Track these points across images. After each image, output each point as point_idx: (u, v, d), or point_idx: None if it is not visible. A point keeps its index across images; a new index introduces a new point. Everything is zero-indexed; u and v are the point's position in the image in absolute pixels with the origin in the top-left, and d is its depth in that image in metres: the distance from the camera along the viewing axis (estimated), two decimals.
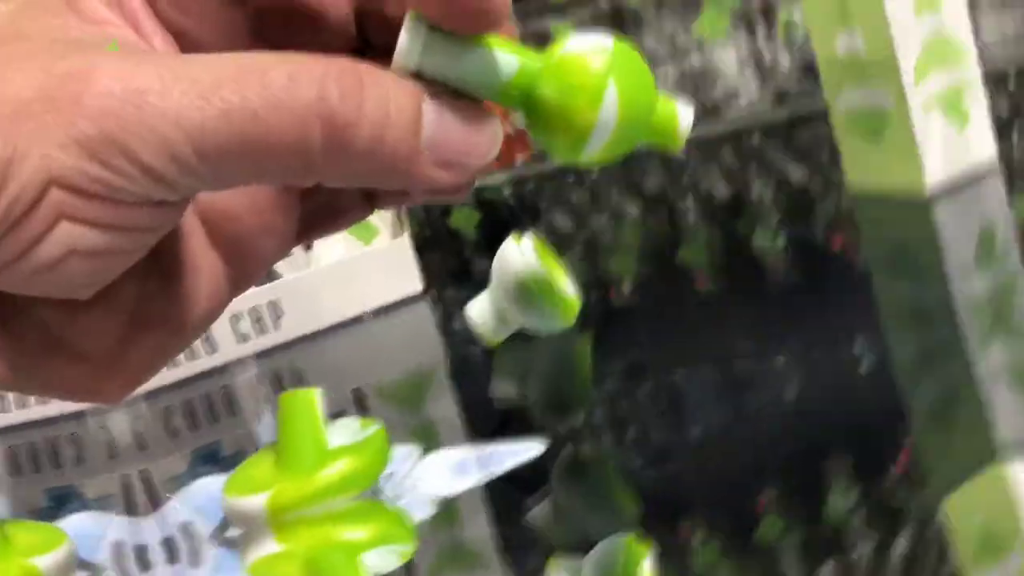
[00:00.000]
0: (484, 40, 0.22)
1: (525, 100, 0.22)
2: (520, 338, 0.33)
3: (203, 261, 0.22)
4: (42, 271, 0.17)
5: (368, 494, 0.30)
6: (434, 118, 0.20)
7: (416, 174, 0.20)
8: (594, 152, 0.22)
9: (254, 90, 0.18)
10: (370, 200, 0.25)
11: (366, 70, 0.19)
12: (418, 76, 0.21)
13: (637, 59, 0.22)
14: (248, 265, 0.23)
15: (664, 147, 0.23)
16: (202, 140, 0.17)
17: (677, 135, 0.23)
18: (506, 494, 0.34)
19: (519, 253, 0.39)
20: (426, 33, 0.21)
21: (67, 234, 0.17)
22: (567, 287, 0.39)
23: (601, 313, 0.50)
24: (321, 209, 0.24)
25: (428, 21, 0.21)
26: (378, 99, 0.19)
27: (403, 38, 0.21)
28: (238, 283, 0.24)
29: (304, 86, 0.18)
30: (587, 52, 0.22)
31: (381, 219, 0.59)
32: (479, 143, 0.21)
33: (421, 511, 0.33)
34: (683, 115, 0.23)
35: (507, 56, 0.22)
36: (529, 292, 0.39)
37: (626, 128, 0.22)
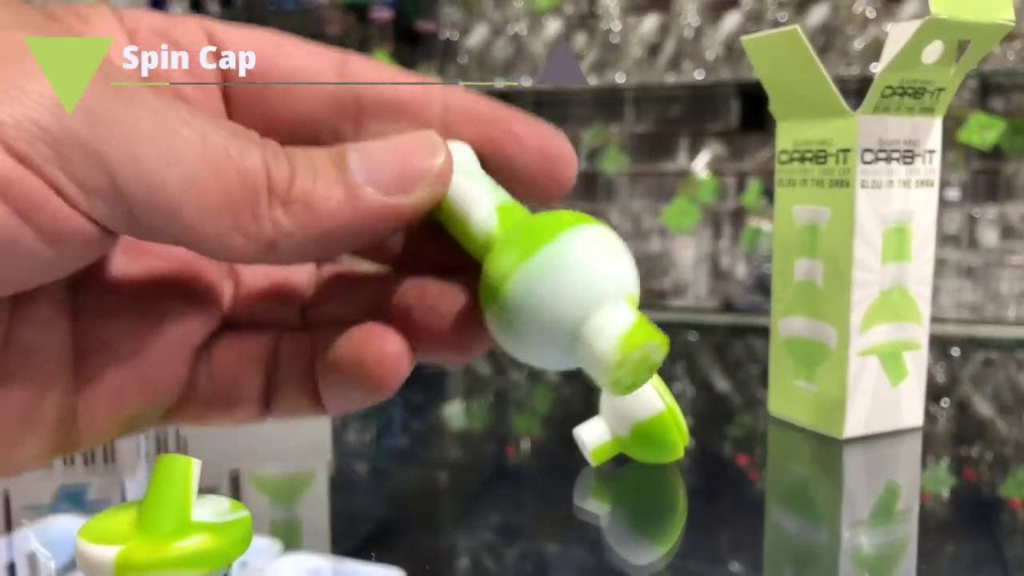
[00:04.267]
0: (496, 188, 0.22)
1: (490, 246, 0.21)
2: None
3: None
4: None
5: None
6: (360, 157, 0.20)
7: (367, 208, 0.19)
8: (511, 316, 0.20)
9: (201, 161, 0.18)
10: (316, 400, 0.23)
11: (289, 147, 0.20)
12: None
13: (611, 245, 0.20)
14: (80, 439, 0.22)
15: (598, 374, 0.20)
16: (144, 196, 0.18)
17: (614, 364, 0.19)
18: None
19: (643, 391, 0.41)
20: (470, 155, 0.22)
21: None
22: (683, 422, 0.41)
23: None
24: (215, 394, 0.23)
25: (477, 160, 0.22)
26: (304, 159, 0.20)
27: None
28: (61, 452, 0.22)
29: (246, 156, 0.19)
30: (564, 213, 0.21)
31: None
32: (417, 161, 0.20)
33: None
34: (636, 340, 0.19)
35: (502, 196, 0.21)
36: (651, 429, 0.41)
37: (549, 297, 0.19)
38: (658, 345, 0.20)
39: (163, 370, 0.22)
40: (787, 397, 0.52)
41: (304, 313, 0.24)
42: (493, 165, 0.22)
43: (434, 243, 0.23)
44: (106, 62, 0.18)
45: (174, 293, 0.22)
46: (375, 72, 0.22)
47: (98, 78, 0.17)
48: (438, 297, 0.21)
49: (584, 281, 0.19)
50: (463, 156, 0.22)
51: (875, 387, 0.49)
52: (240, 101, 0.22)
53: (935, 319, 0.51)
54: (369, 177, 0.20)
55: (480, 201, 0.21)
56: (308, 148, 0.20)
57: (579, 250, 0.19)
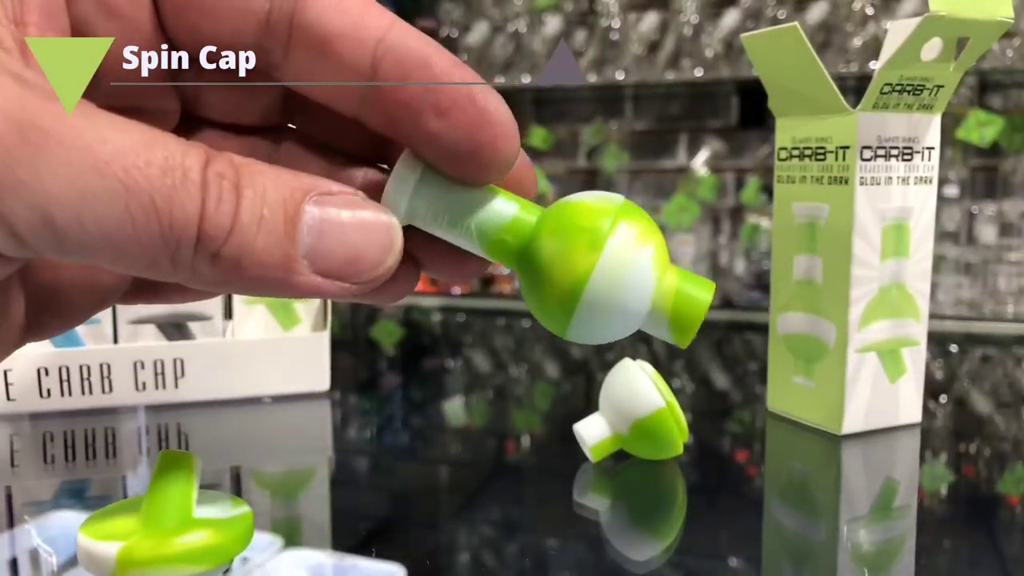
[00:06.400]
0: (482, 187, 0.21)
1: (520, 252, 0.21)
2: None
3: (4, 300, 0.21)
4: None
5: (219, 572, 0.30)
6: (315, 223, 0.18)
7: (294, 284, 0.18)
8: (586, 315, 0.20)
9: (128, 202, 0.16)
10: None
11: (246, 167, 0.18)
12: (407, 224, 0.20)
13: (646, 217, 0.21)
14: (52, 316, 0.22)
15: (670, 336, 0.21)
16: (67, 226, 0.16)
17: (685, 323, 0.21)
18: None
19: (642, 388, 0.41)
20: (420, 175, 0.20)
21: None
22: (682, 419, 0.41)
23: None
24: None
25: (424, 162, 0.20)
26: (253, 201, 0.18)
27: (392, 182, 0.20)
28: (34, 332, 0.22)
29: (175, 205, 0.17)
30: (594, 200, 0.21)
31: (306, 309, 0.60)
32: (368, 255, 0.19)
33: None
34: (697, 300, 0.21)
35: (504, 203, 0.21)
36: (651, 426, 0.41)
37: (625, 291, 0.20)
38: (708, 293, 0.22)
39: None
40: (786, 393, 0.52)
41: None
42: (424, 149, 0.21)
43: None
44: (12, 85, 0.16)
45: None
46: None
47: (4, 122, 0.16)
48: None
49: (643, 272, 0.21)
50: (418, 178, 0.21)
51: (873, 383, 0.49)
52: (169, 8, 0.20)
53: (933, 315, 0.51)
54: (314, 254, 0.18)
55: (469, 234, 0.21)
56: (267, 175, 0.18)
57: (631, 246, 0.20)
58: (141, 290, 0.24)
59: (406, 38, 0.20)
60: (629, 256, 0.20)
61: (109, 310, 0.55)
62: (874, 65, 1.50)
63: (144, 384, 0.54)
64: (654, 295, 0.21)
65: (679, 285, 0.21)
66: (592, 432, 0.43)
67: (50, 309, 0.22)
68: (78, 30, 0.20)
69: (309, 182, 0.19)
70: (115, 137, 0.17)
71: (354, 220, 0.19)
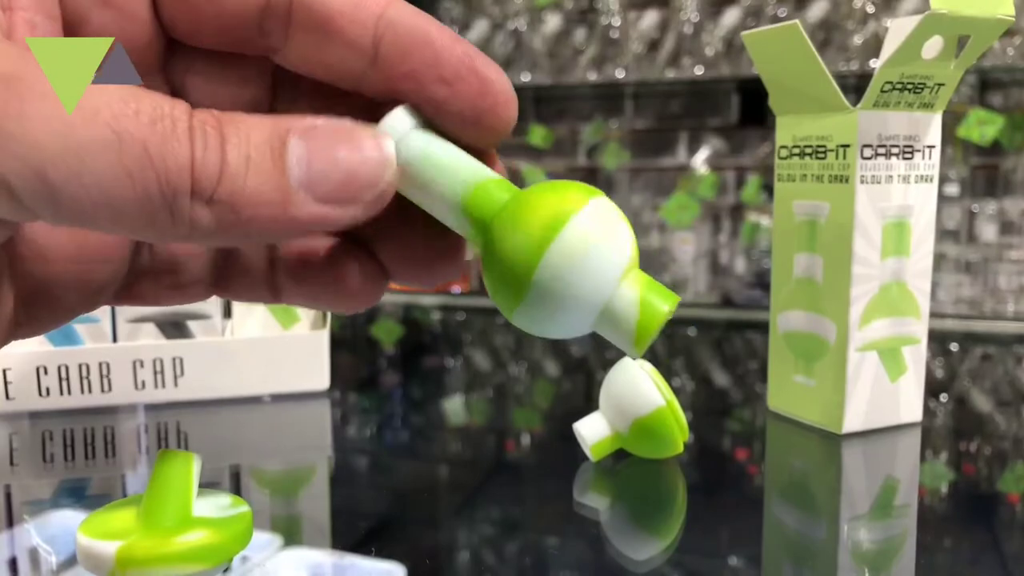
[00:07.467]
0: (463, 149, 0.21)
1: (489, 221, 0.20)
2: None
3: None
4: None
5: (218, 571, 0.30)
6: (303, 153, 0.18)
7: (294, 217, 0.18)
8: (538, 295, 0.20)
9: (119, 154, 0.16)
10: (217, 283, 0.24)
11: (227, 115, 0.18)
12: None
13: (620, 213, 0.21)
14: (42, 312, 0.22)
15: (624, 341, 0.21)
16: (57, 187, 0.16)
17: (640, 331, 0.20)
18: None
19: (643, 386, 0.41)
20: (419, 120, 0.21)
21: None
22: (683, 418, 0.41)
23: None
24: (160, 275, 0.23)
25: (422, 118, 0.21)
26: (238, 145, 0.18)
27: (389, 117, 0.20)
28: (23, 327, 0.22)
29: (168, 154, 0.17)
30: (572, 183, 0.20)
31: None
32: (363, 172, 0.19)
33: None
34: (655, 310, 0.20)
35: (479, 168, 0.21)
36: (651, 425, 0.41)
37: (581, 275, 0.19)
38: (671, 304, 0.20)
39: (104, 266, 0.22)
40: (786, 392, 0.52)
41: None
42: (426, 107, 0.21)
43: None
44: None
45: None
46: None
47: None
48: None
49: (606, 261, 0.20)
50: (413, 126, 0.21)
51: (874, 382, 0.49)
52: None
53: (934, 314, 0.51)
54: (308, 180, 0.18)
55: (454, 180, 0.21)
56: (248, 121, 0.18)
57: (596, 230, 0.20)
58: (132, 289, 0.23)
59: (405, 14, 0.20)
60: (592, 241, 0.20)
61: (108, 308, 0.55)
62: (875, 63, 1.50)
63: (143, 383, 0.54)
64: (612, 291, 0.20)
65: (642, 290, 0.20)
66: (592, 431, 0.43)
67: (40, 304, 0.22)
68: (71, 18, 0.19)
69: (291, 120, 0.19)
70: (100, 88, 0.16)
71: (343, 142, 0.19)
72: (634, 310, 0.20)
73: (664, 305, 0.20)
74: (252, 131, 0.18)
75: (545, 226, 0.19)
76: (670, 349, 0.77)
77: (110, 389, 0.54)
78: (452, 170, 0.21)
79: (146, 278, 0.24)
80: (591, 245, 0.20)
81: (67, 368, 0.53)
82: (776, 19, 1.73)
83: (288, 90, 0.23)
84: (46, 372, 0.52)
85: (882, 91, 0.46)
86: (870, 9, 1.68)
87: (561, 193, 0.20)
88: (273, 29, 0.20)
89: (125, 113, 0.16)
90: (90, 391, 0.53)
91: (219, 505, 0.31)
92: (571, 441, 0.44)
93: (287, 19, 0.20)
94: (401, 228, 0.23)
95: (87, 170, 0.16)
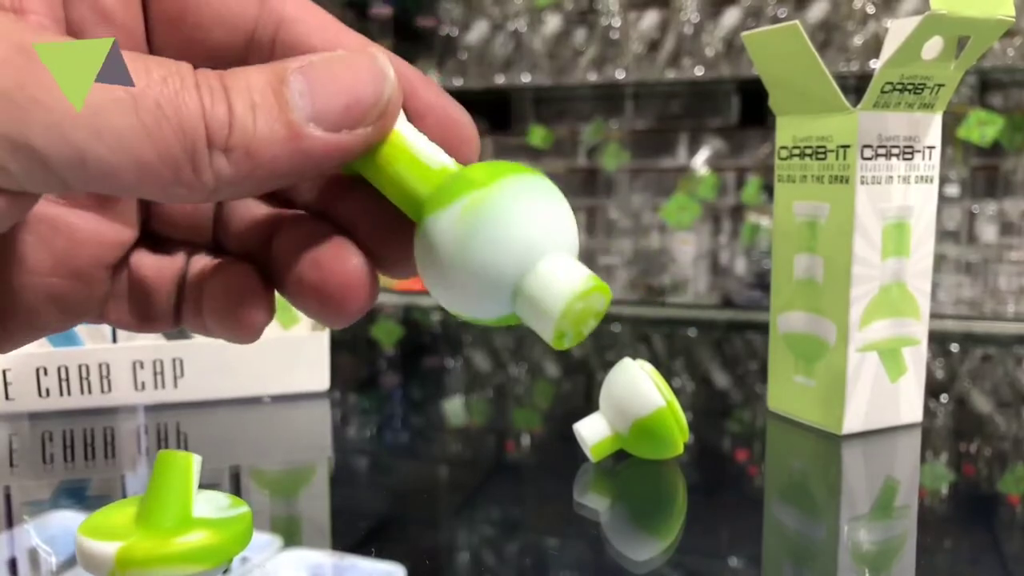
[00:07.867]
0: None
1: (421, 204, 0.20)
2: None
3: None
4: None
5: (218, 572, 0.30)
6: (304, 86, 0.19)
7: (308, 149, 0.19)
8: (448, 274, 0.19)
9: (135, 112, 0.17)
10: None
11: (226, 71, 0.19)
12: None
13: (541, 197, 0.20)
14: (12, 325, 0.22)
15: (546, 331, 0.19)
16: (74, 155, 0.17)
17: (558, 319, 0.19)
18: None
19: (643, 387, 0.41)
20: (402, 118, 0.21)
21: None
22: (683, 418, 0.41)
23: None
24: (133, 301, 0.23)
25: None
26: (241, 92, 0.18)
27: None
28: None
29: (181, 107, 0.17)
30: (489, 165, 0.20)
31: None
32: (366, 91, 0.19)
33: None
34: (573, 297, 0.19)
35: (436, 151, 0.21)
36: (651, 426, 0.41)
37: (489, 237, 0.19)
38: (601, 294, 0.19)
39: (80, 285, 0.22)
40: (786, 393, 0.52)
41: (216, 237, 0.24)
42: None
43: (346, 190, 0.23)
44: (10, 20, 0.17)
45: (88, 208, 0.22)
46: (303, 13, 0.21)
47: (7, 45, 0.16)
48: (328, 252, 0.22)
49: (523, 233, 0.19)
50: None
51: (874, 383, 0.49)
52: (159, 20, 0.21)
53: (934, 315, 0.51)
54: (313, 111, 0.19)
55: (417, 155, 0.21)
56: (246, 71, 0.19)
57: (516, 201, 0.19)
58: (111, 306, 0.23)
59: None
60: (509, 202, 0.19)
61: None
62: (875, 64, 1.50)
63: (143, 384, 0.54)
64: (525, 271, 0.19)
65: (565, 275, 0.19)
66: (592, 431, 0.43)
67: (12, 318, 0.22)
68: (72, 29, 0.20)
69: (287, 60, 0.19)
70: None
71: (340, 68, 0.19)
72: (550, 295, 0.19)
73: (593, 289, 0.19)
74: (251, 77, 0.19)
75: (465, 193, 0.19)
76: (670, 349, 0.77)
77: (110, 390, 0.54)
78: (412, 155, 0.21)
79: (121, 307, 0.24)
80: (510, 213, 0.19)
81: (67, 369, 0.53)
82: (776, 20, 1.73)
83: None
84: (46, 373, 0.52)
85: (882, 92, 0.46)
86: (870, 10, 1.68)
87: (493, 165, 0.20)
88: (255, 63, 0.21)
89: (135, 71, 0.17)
90: (90, 392, 0.53)
91: (219, 506, 0.31)
92: (571, 442, 0.44)
93: (269, 55, 0.21)
94: (375, 209, 0.23)
95: (107, 127, 0.17)
